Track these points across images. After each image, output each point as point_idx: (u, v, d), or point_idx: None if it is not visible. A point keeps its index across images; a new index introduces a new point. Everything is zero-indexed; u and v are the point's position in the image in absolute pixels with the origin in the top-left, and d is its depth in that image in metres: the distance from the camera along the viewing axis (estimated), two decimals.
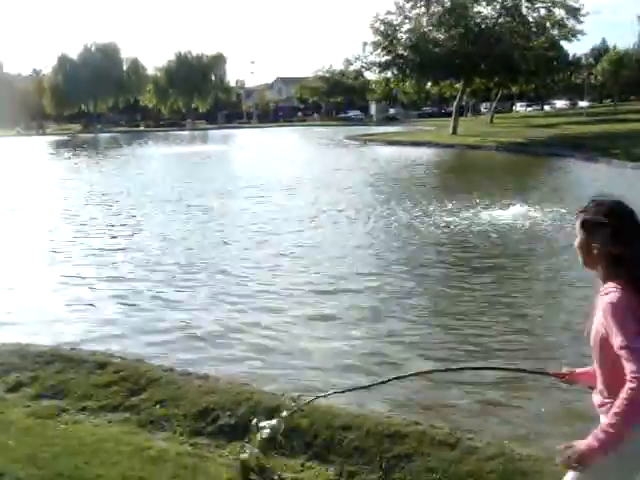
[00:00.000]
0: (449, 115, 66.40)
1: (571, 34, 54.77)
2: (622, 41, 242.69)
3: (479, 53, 51.75)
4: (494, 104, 75.74)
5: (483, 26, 55.00)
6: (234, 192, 23.86)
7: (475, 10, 55.54)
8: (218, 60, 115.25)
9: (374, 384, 5.18)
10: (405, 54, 54.65)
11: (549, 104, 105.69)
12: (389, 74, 58.00)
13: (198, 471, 4.71)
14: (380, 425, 5.36)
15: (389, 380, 4.96)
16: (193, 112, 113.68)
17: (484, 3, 55.21)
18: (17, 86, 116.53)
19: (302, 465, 5.10)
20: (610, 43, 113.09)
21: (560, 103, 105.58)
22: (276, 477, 4.82)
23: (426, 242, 14.50)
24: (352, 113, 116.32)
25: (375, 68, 58.16)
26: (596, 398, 3.28)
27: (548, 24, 55.11)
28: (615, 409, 2.94)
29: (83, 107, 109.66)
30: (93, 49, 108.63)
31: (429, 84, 63.96)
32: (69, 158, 45.45)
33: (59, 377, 6.57)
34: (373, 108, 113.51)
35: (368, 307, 9.85)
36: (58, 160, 45.89)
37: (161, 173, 33.15)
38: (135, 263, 13.11)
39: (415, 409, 6.45)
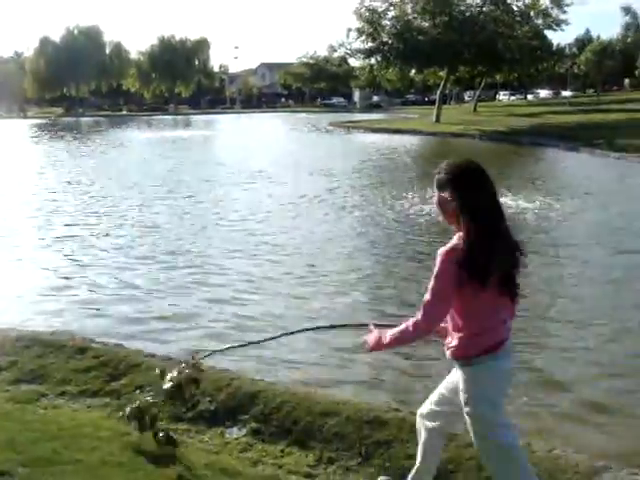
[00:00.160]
0: (432, 103, 66.52)
1: (555, 23, 54.96)
2: (606, 31, 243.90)
3: (463, 41, 51.77)
4: (478, 93, 75.79)
5: (467, 14, 55.05)
6: (218, 178, 23.77)
7: None
8: (202, 45, 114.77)
9: (265, 340, 6.03)
10: (389, 41, 54.56)
11: (532, 93, 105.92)
12: (373, 61, 57.92)
13: (178, 457, 4.69)
14: (360, 412, 5.37)
15: (279, 336, 6.07)
16: (176, 97, 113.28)
17: None
18: None
19: (282, 451, 5.11)
20: (594, 33, 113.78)
21: (543, 92, 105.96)
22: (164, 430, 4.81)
23: (404, 229, 14.52)
24: (335, 100, 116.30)
25: (359, 55, 58.08)
26: (448, 346, 3.72)
27: (532, 13, 55.25)
28: (400, 330, 3.62)
29: (65, 90, 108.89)
30: (76, 32, 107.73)
31: (413, 72, 63.96)
32: (49, 141, 45.18)
33: (38, 362, 6.54)
34: (357, 95, 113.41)
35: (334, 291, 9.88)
36: (39, 143, 45.50)
37: (144, 158, 32.91)
38: (112, 248, 13.04)
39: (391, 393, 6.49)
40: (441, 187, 3.56)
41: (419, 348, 7.21)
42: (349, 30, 55.71)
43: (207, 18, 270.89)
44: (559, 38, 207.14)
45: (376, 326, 3.92)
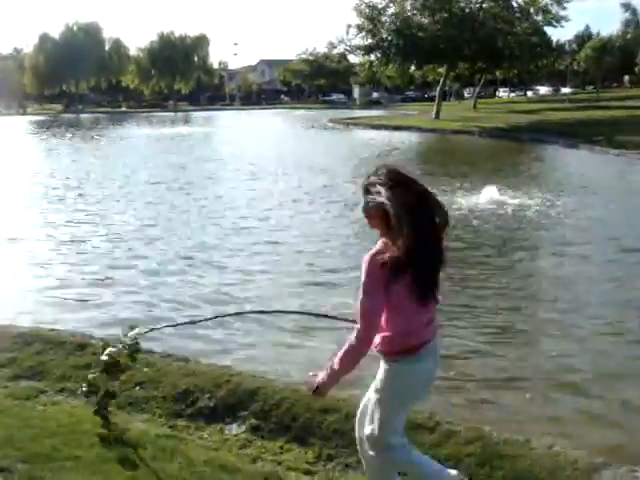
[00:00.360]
0: (432, 100, 66.43)
1: (555, 20, 54.82)
2: (606, 28, 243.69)
3: (463, 38, 51.71)
4: (477, 89, 75.74)
5: (467, 11, 54.96)
6: (219, 175, 23.78)
7: None
8: (201, 41, 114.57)
9: (200, 320, 6.00)
10: (389, 38, 54.49)
11: (532, 90, 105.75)
12: (372, 57, 57.82)
13: (177, 453, 4.69)
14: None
15: (212, 318, 6.20)
16: (175, 93, 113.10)
17: None
18: None
19: (281, 447, 5.11)
20: (594, 30, 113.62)
21: (543, 89, 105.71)
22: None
23: None
24: (335, 96, 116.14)
25: (359, 51, 57.97)
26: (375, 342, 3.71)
27: (532, 10, 55.13)
28: (341, 353, 3.60)
29: (64, 87, 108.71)
30: (75, 28, 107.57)
31: (412, 68, 63.86)
32: (49, 138, 45.13)
33: (38, 358, 6.53)
34: (356, 92, 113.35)
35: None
36: (39, 140, 45.50)
37: (144, 154, 32.88)
38: (110, 245, 13.08)
39: None
40: (369, 192, 3.58)
41: None
42: (349, 26, 55.63)
43: (206, 14, 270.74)
44: (559, 34, 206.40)
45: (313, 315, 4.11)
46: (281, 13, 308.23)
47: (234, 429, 5.23)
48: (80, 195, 19.27)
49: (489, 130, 42.19)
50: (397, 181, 3.52)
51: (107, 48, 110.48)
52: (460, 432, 5.09)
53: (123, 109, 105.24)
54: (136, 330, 4.89)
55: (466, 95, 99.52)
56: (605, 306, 9.12)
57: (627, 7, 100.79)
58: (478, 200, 17.03)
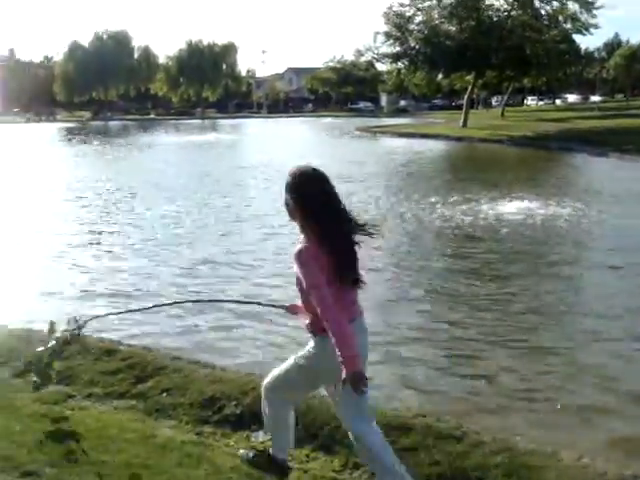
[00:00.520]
0: (460, 108, 66.18)
1: (584, 28, 54.40)
2: (635, 36, 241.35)
3: (490, 46, 51.46)
4: (505, 97, 75.37)
5: (495, 19, 54.71)
6: (245, 182, 23.84)
7: (487, 2, 55.22)
8: (229, 49, 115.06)
9: (141, 309, 6.72)
10: (416, 46, 54.47)
11: (561, 98, 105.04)
12: (400, 65, 57.79)
13: (203, 460, 4.69)
14: (386, 417, 5.34)
15: (152, 307, 6.71)
16: (203, 101, 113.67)
17: None
18: (29, 73, 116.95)
19: (307, 456, 5.09)
20: (623, 38, 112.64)
21: (572, 97, 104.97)
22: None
23: (430, 234, 14.44)
24: (362, 104, 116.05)
25: (386, 59, 57.98)
26: (306, 322, 4.15)
27: (561, 17, 54.75)
28: (336, 344, 3.76)
29: (94, 95, 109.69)
30: (105, 37, 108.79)
31: (440, 76, 63.72)
32: (78, 144, 45.55)
33: (66, 363, 6.56)
34: (384, 100, 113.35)
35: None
36: (68, 146, 45.89)
37: (173, 162, 33.07)
38: (135, 254, 13.09)
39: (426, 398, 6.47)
40: (286, 190, 4.01)
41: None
42: (376, 34, 55.67)
43: (235, 23, 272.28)
44: (588, 42, 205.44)
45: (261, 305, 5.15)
46: (309, 21, 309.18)
47: (260, 436, 5.21)
48: (116, 202, 19.45)
49: (517, 138, 41.96)
50: (307, 181, 3.97)
51: (136, 56, 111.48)
52: (487, 442, 5.05)
53: (151, 116, 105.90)
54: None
55: (494, 103, 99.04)
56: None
57: None
58: (506, 209, 16.90)
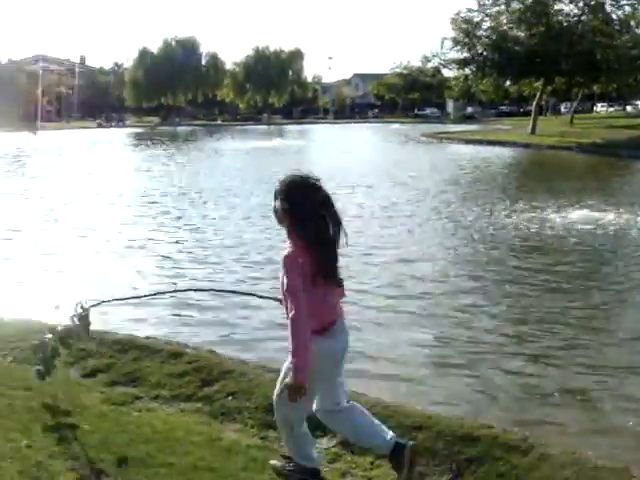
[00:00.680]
0: (527, 114, 65.41)
1: None
2: None
3: (560, 51, 50.68)
4: (574, 104, 74.14)
5: (565, 24, 53.89)
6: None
7: (556, 7, 54.44)
8: (296, 55, 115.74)
9: (147, 295, 6.87)
10: (484, 52, 54.05)
11: (631, 105, 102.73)
12: (467, 71, 57.42)
13: (268, 464, 4.71)
14: (451, 427, 5.29)
15: (162, 293, 7.51)
16: (269, 107, 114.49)
17: (566, 0, 54.13)
18: (99, 79, 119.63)
19: (371, 463, 5.05)
20: None
21: None
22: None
23: (498, 244, 14.19)
24: (429, 110, 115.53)
25: (453, 65, 57.70)
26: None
27: (633, 22, 53.69)
28: (292, 352, 3.97)
29: (162, 100, 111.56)
30: (173, 43, 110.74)
31: (508, 83, 63.05)
32: (148, 149, 46.38)
33: (134, 365, 6.68)
34: (450, 106, 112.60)
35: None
36: (140, 151, 46.76)
37: (239, 167, 33.31)
38: (201, 260, 13.08)
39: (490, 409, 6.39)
40: (275, 197, 4.16)
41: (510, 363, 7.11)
42: (443, 40, 55.43)
43: (301, 29, 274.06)
44: None
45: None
46: (376, 27, 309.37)
47: (324, 443, 5.21)
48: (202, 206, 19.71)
49: (586, 146, 41.29)
50: (296, 189, 4.12)
51: (204, 62, 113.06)
52: (555, 455, 4.96)
53: (218, 122, 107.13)
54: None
55: (563, 110, 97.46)
56: None
57: None
58: (574, 218, 16.56)
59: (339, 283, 4.27)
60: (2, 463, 4.25)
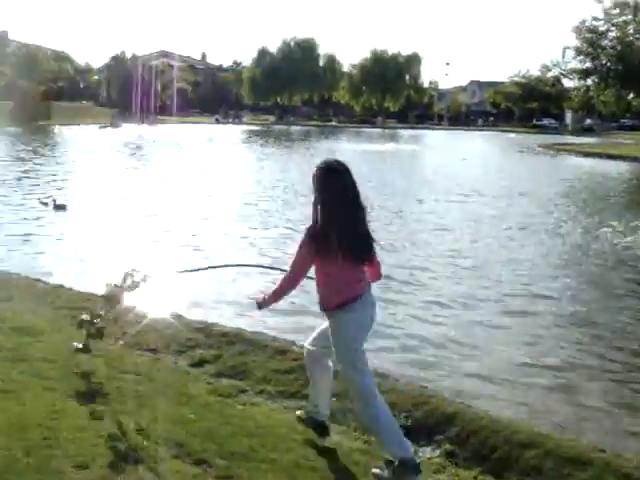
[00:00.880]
0: None
1: None
2: None
3: None
4: None
5: None
6: (425, 195, 23.64)
7: None
8: (413, 60, 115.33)
9: (201, 268, 7.14)
10: (607, 63, 52.55)
11: None
12: (589, 82, 55.94)
13: (370, 469, 4.65)
14: (561, 447, 5.09)
15: (207, 268, 7.44)
16: (384, 111, 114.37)
17: None
18: (218, 76, 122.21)
19: (475, 478, 4.94)
20: None
21: None
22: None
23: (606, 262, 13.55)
24: (547, 121, 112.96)
25: (574, 75, 56.35)
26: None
27: None
28: (278, 286, 4.74)
29: (278, 99, 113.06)
30: (292, 44, 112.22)
31: (631, 95, 61.07)
32: (264, 147, 47.01)
33: (240, 358, 6.72)
34: (568, 117, 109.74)
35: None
36: (255, 148, 47.41)
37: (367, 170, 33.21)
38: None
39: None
40: (313, 181, 4.62)
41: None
42: (565, 49, 54.20)
43: (420, 33, 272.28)
44: None
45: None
46: (495, 34, 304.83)
47: (428, 452, 5.12)
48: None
49: None
50: (327, 174, 4.57)
51: (321, 64, 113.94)
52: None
53: (333, 123, 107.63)
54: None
55: None
56: None
57: None
58: None
59: (364, 261, 4.65)
60: (112, 445, 4.35)
